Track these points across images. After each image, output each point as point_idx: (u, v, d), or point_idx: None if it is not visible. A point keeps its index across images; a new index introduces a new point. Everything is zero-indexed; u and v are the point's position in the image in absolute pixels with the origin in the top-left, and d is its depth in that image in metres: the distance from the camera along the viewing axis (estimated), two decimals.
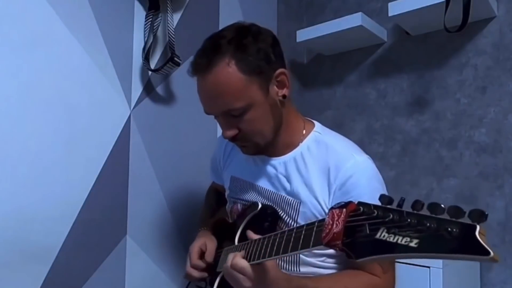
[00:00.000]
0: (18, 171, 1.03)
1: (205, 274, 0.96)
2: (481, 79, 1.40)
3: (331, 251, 0.83)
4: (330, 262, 0.85)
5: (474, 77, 1.41)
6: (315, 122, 0.93)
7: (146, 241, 1.32)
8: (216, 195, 1.20)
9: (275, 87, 0.82)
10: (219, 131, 1.53)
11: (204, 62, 0.78)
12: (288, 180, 0.87)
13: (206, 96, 0.82)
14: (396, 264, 0.86)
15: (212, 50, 0.78)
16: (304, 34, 1.63)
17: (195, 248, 0.97)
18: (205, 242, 0.98)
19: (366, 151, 0.89)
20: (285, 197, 0.87)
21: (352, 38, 1.59)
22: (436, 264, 1.07)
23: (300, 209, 0.84)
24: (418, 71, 1.54)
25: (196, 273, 0.95)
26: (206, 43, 0.82)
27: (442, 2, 1.26)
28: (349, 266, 0.83)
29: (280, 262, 0.87)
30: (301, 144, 0.88)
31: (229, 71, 0.76)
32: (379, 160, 1.60)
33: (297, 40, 1.65)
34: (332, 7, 1.82)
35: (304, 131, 0.89)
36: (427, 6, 1.29)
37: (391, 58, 1.62)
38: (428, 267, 1.08)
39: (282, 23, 1.92)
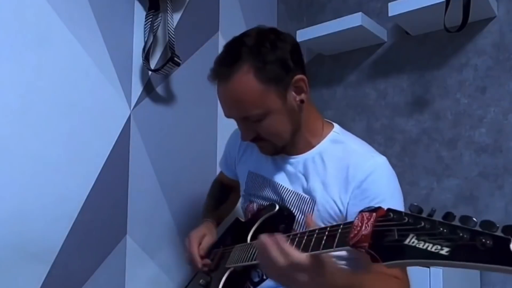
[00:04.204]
0: (18, 171, 1.03)
1: (208, 261, 0.97)
2: (481, 79, 1.40)
3: (343, 253, 0.83)
4: (340, 264, 0.85)
5: (474, 77, 1.41)
6: (335, 123, 0.95)
7: (146, 241, 1.32)
8: (222, 187, 1.22)
9: (293, 93, 0.83)
10: (220, 131, 1.54)
11: (224, 70, 0.81)
12: (306, 179, 0.88)
13: (225, 102, 0.84)
14: None
15: (232, 57, 0.80)
16: (304, 34, 1.63)
17: (194, 237, 0.99)
18: (204, 235, 1.00)
19: None
20: (301, 194, 0.88)
21: (352, 38, 1.59)
22: None
23: (315, 208, 0.84)
24: (418, 71, 1.54)
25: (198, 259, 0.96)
26: (227, 49, 0.84)
27: (442, 2, 1.26)
28: (364, 268, 0.82)
29: None
30: (319, 144, 0.90)
31: (247, 80, 0.78)
32: None
33: (297, 40, 1.65)
34: (332, 7, 1.82)
35: (323, 132, 0.91)
36: (427, 6, 1.29)
37: (391, 58, 1.62)
38: (428, 267, 1.08)
39: (282, 23, 1.92)
